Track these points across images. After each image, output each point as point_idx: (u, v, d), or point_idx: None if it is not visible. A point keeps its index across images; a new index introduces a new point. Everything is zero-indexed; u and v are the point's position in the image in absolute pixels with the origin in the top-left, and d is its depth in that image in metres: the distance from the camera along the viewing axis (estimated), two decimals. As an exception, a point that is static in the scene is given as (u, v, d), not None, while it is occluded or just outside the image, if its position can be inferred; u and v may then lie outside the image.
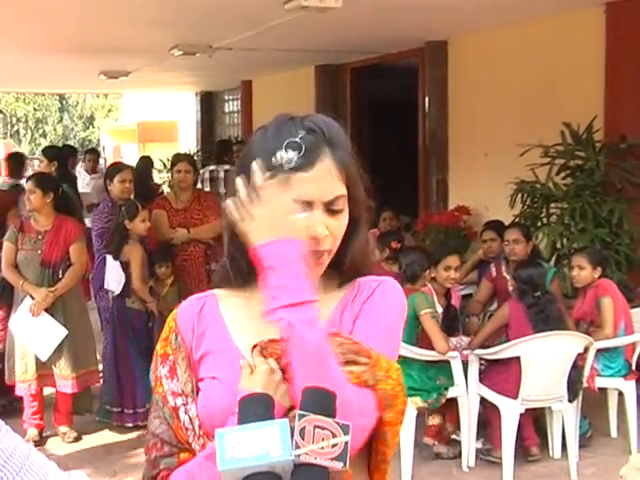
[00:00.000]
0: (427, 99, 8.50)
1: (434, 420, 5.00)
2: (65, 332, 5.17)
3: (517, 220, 6.19)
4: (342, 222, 1.46)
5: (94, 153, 11.48)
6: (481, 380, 4.88)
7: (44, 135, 32.77)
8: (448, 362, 4.78)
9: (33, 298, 5.17)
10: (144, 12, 6.54)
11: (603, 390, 5.20)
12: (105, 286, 5.55)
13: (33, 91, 25.47)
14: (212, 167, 9.36)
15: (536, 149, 6.24)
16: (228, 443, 1.18)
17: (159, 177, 12.26)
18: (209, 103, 14.45)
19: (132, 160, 11.07)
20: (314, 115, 1.50)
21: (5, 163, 8.81)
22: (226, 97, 14.00)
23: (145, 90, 15.74)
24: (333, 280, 1.53)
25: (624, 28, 6.27)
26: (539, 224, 6.27)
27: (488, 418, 4.94)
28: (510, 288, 5.41)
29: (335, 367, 1.31)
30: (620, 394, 5.20)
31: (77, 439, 5.37)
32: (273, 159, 1.40)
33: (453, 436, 5.05)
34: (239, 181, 1.39)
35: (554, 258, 6.08)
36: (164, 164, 12.01)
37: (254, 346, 1.41)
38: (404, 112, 9.53)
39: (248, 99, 12.55)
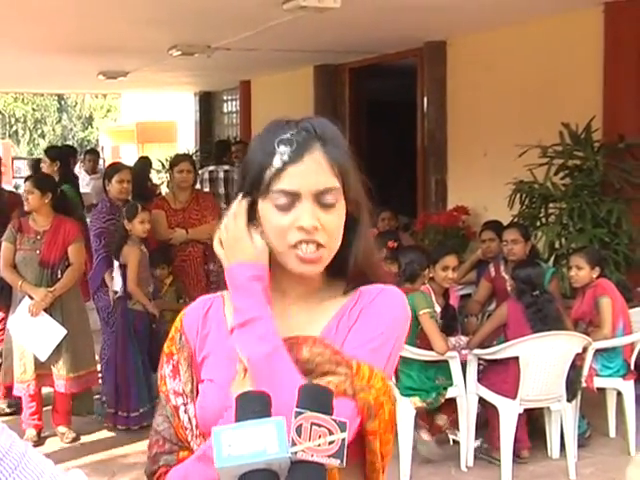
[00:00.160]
0: (426, 99, 8.50)
1: (440, 420, 4.98)
2: (64, 332, 5.17)
3: (516, 220, 6.19)
4: (336, 217, 1.45)
5: (94, 153, 11.49)
6: (480, 380, 4.88)
7: (43, 135, 32.77)
8: (447, 362, 4.78)
9: (32, 298, 5.17)
10: (143, 12, 6.54)
11: (602, 390, 5.20)
12: (113, 287, 5.55)
13: (32, 91, 25.48)
14: (211, 168, 9.36)
15: (535, 149, 6.25)
16: (225, 441, 1.18)
17: (157, 177, 12.26)
18: (208, 103, 14.45)
19: (131, 160, 11.06)
20: (311, 117, 1.51)
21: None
22: (225, 97, 14.00)
23: (144, 90, 15.74)
24: (338, 287, 1.52)
25: (623, 28, 6.28)
26: (538, 224, 6.27)
27: (488, 418, 4.94)
28: (509, 288, 5.41)
29: (290, 378, 1.33)
30: (619, 394, 5.20)
31: (75, 439, 5.37)
32: (268, 158, 1.43)
33: (452, 436, 5.05)
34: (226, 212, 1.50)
35: (552, 258, 6.08)
36: (163, 164, 12.01)
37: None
38: (403, 112, 9.54)
39: (247, 99, 12.55)
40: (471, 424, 4.86)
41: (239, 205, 1.47)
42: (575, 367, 4.79)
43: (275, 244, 1.44)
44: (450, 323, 5.03)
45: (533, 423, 5.09)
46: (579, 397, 4.97)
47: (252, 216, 1.47)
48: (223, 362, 1.46)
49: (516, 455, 4.85)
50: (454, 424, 4.94)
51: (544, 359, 4.63)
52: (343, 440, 1.19)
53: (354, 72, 10.00)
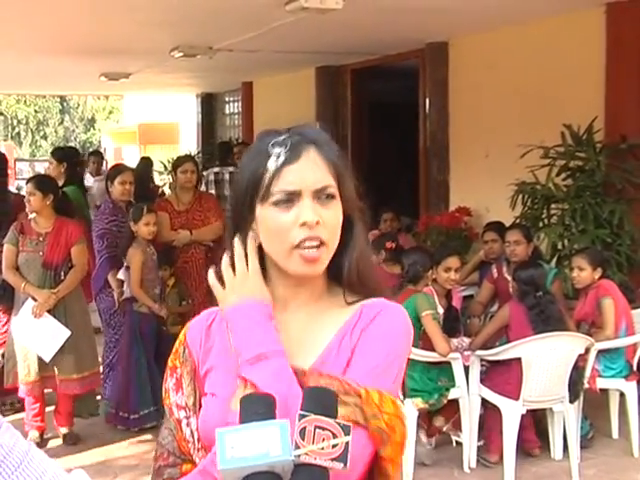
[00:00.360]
0: (428, 100, 8.50)
1: (438, 422, 4.99)
2: (68, 333, 5.17)
3: (518, 221, 6.19)
4: (335, 212, 1.45)
5: (98, 155, 11.49)
6: (482, 381, 4.88)
7: (45, 137, 32.79)
8: (449, 363, 4.78)
9: (35, 300, 5.17)
10: (145, 14, 6.54)
11: (604, 391, 5.20)
12: (123, 288, 5.56)
13: (34, 93, 25.45)
14: (216, 169, 9.38)
15: (537, 150, 6.24)
16: (228, 442, 1.18)
17: (159, 179, 12.27)
18: (210, 105, 14.45)
19: (133, 162, 11.07)
20: (301, 124, 1.53)
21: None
22: (227, 99, 14.01)
23: (146, 92, 15.74)
24: (338, 295, 1.52)
25: (625, 29, 6.27)
26: (540, 225, 6.27)
27: (486, 420, 4.93)
28: (511, 289, 5.41)
29: None
30: (621, 395, 5.20)
31: (78, 441, 5.38)
32: (263, 162, 1.44)
33: (454, 437, 5.05)
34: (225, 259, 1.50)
35: (555, 259, 6.08)
36: (165, 166, 12.02)
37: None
38: (405, 113, 9.54)
39: (249, 101, 12.55)
40: (474, 425, 4.85)
41: (250, 242, 1.47)
42: (578, 368, 4.79)
43: (276, 247, 1.44)
44: (453, 324, 5.03)
45: (536, 424, 5.08)
46: (582, 398, 4.96)
47: (248, 228, 1.47)
48: (226, 376, 1.46)
49: (527, 454, 4.86)
50: (457, 425, 4.94)
51: (547, 360, 4.63)
52: (347, 444, 1.19)
53: (356, 73, 10.00)
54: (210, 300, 1.60)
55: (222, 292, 1.48)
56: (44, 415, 5.38)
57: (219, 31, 7.34)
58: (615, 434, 5.31)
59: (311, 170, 1.43)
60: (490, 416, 4.85)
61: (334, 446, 1.18)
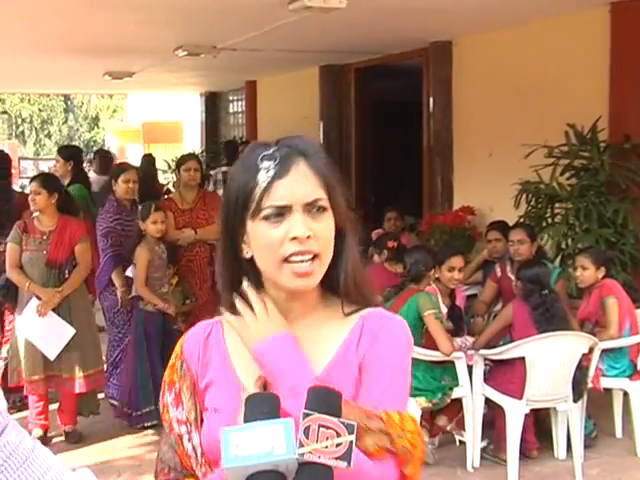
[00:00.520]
0: (432, 99, 8.49)
1: (441, 421, 4.99)
2: (73, 331, 5.18)
3: (522, 220, 6.19)
4: (327, 224, 1.45)
5: (107, 154, 11.47)
6: (486, 380, 4.88)
7: (49, 136, 32.85)
8: (453, 362, 4.78)
9: (39, 299, 5.18)
10: (149, 13, 6.55)
11: (608, 390, 5.19)
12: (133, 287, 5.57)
13: (38, 92, 25.53)
14: (224, 169, 9.40)
15: (541, 149, 6.24)
16: (233, 441, 1.19)
17: (163, 177, 12.27)
18: (214, 104, 14.46)
19: (137, 161, 11.08)
20: (291, 136, 1.52)
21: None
22: (231, 98, 14.01)
23: (150, 91, 15.77)
24: (333, 306, 1.52)
25: (629, 28, 6.26)
26: (544, 224, 6.26)
27: (494, 419, 4.93)
28: (514, 289, 5.40)
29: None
30: (625, 394, 5.20)
31: (81, 439, 5.39)
32: (253, 176, 1.43)
33: (458, 437, 5.05)
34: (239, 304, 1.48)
35: (559, 258, 6.08)
36: (169, 165, 12.03)
37: (258, 378, 1.41)
38: (408, 112, 9.53)
39: (253, 99, 12.56)
40: (477, 425, 4.85)
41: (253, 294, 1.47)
42: (581, 367, 4.78)
43: (268, 261, 1.44)
44: (456, 323, 5.03)
45: (539, 424, 5.08)
46: (585, 397, 4.96)
47: (240, 241, 1.47)
48: (227, 390, 1.46)
49: (525, 455, 4.85)
50: (460, 425, 4.94)
51: (550, 359, 4.63)
52: (350, 442, 1.19)
53: (360, 72, 9.99)
54: (214, 299, 1.60)
55: (247, 330, 1.46)
56: (48, 413, 5.39)
57: (223, 30, 7.34)
58: (619, 433, 5.31)
59: (301, 183, 1.42)
60: (498, 415, 4.84)
61: (338, 445, 1.19)
